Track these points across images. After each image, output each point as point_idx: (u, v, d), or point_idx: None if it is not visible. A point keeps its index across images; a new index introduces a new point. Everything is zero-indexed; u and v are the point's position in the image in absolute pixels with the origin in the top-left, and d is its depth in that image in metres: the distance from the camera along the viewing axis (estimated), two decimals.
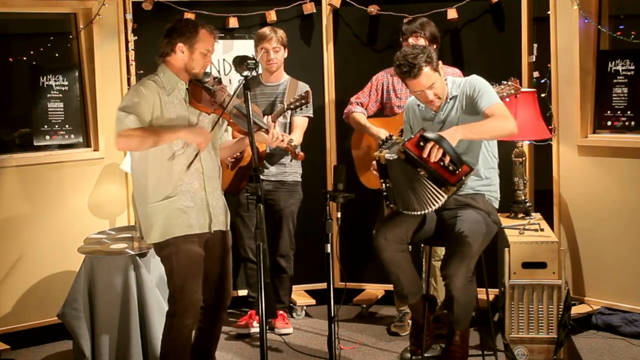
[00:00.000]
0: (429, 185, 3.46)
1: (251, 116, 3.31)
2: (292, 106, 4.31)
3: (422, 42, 4.30)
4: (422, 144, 3.40)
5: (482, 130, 3.53)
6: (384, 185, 3.69)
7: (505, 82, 4.16)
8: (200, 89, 3.52)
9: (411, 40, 4.32)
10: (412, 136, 3.46)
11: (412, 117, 3.94)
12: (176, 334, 3.54)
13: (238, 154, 4.47)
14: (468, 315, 3.69)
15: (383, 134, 4.36)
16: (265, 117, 4.38)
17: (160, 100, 3.44)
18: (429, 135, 3.40)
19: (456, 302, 3.59)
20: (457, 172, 3.42)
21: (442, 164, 3.40)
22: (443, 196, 3.48)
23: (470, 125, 3.53)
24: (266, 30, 4.58)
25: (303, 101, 4.28)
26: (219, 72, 5.01)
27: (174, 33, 3.46)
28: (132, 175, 3.60)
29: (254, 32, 4.71)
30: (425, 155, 3.38)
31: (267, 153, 4.54)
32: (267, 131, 3.75)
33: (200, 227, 3.52)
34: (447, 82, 3.79)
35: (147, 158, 3.46)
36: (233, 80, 5.02)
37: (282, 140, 3.85)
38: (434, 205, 3.51)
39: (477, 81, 3.72)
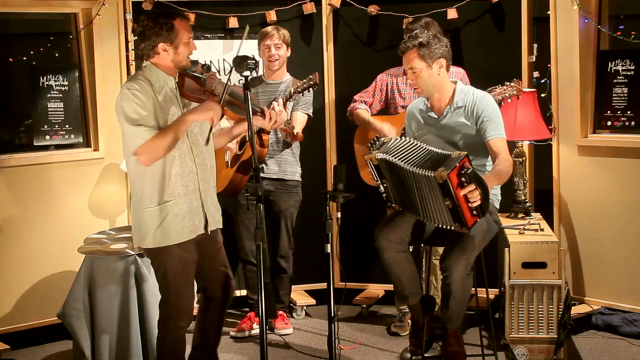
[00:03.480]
0: (445, 214, 3.44)
1: (251, 116, 3.29)
2: (300, 89, 4.29)
3: None
4: (464, 179, 3.32)
5: (506, 176, 3.63)
6: (381, 186, 3.69)
7: (507, 83, 4.17)
8: (189, 79, 3.47)
9: None
10: (456, 164, 3.32)
11: (413, 122, 3.94)
12: (172, 337, 3.53)
13: (238, 151, 4.46)
14: (461, 313, 3.68)
15: (387, 127, 4.37)
16: (274, 102, 4.32)
17: (155, 99, 3.37)
18: (478, 176, 3.33)
19: (452, 297, 3.58)
20: (477, 218, 3.39)
21: (470, 205, 3.36)
22: (452, 228, 3.47)
23: (500, 174, 3.58)
24: (269, 27, 4.60)
25: (312, 82, 4.26)
26: (218, 71, 5.01)
27: (151, 36, 3.35)
28: (129, 179, 3.54)
29: (255, 32, 4.71)
30: (462, 193, 3.33)
31: (267, 154, 4.53)
32: (262, 114, 3.69)
33: (195, 229, 3.49)
34: (456, 88, 3.80)
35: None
36: (233, 80, 5.00)
37: (277, 122, 3.78)
38: (437, 225, 3.53)
39: (488, 104, 3.73)
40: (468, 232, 3.43)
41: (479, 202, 3.34)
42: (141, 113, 3.30)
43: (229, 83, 3.47)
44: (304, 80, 4.27)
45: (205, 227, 3.52)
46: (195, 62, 3.50)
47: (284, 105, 4.35)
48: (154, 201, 3.40)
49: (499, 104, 4.16)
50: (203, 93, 3.48)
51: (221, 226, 3.64)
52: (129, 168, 3.49)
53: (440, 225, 3.51)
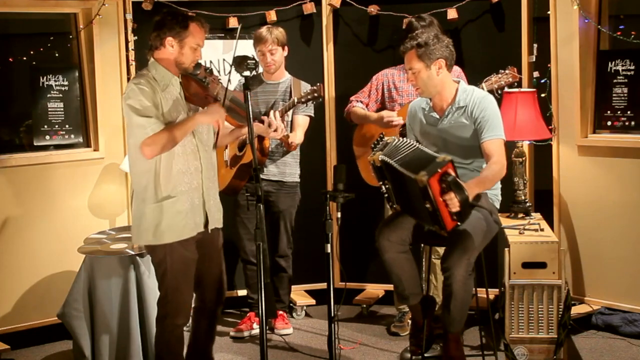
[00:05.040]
0: (425, 215, 3.47)
1: (251, 116, 3.29)
2: (303, 100, 4.27)
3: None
4: (444, 186, 3.33)
5: (492, 182, 3.64)
6: (383, 187, 3.69)
7: (502, 71, 4.18)
8: (193, 83, 3.47)
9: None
10: (438, 169, 3.34)
11: (414, 121, 3.93)
12: (170, 335, 3.53)
13: (238, 152, 4.46)
14: (463, 316, 3.67)
15: (386, 113, 4.38)
16: (273, 112, 4.31)
17: (160, 97, 3.39)
18: (458, 184, 3.34)
19: (454, 298, 3.57)
20: (457, 222, 3.41)
21: (449, 209, 3.37)
22: (431, 229, 3.52)
23: (484, 181, 3.57)
24: (262, 32, 4.54)
25: (315, 94, 4.24)
26: (218, 72, 5.01)
27: (164, 27, 3.39)
28: (131, 175, 3.56)
29: (254, 32, 4.71)
30: (441, 197, 3.34)
31: (270, 150, 4.52)
32: (261, 122, 3.70)
33: (196, 226, 3.50)
34: (458, 88, 3.79)
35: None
36: (233, 80, 5.01)
37: (276, 130, 3.78)
38: (421, 223, 3.59)
39: (487, 105, 3.71)
40: (446, 235, 3.45)
41: (457, 209, 3.35)
42: (146, 104, 3.32)
43: (229, 89, 3.47)
44: (308, 91, 4.25)
45: (206, 225, 3.53)
46: (198, 65, 3.50)
47: (285, 112, 4.35)
48: (156, 198, 3.41)
49: (498, 94, 4.16)
50: (206, 97, 3.49)
51: (221, 225, 3.64)
52: (130, 164, 3.51)
53: (422, 224, 3.57)
